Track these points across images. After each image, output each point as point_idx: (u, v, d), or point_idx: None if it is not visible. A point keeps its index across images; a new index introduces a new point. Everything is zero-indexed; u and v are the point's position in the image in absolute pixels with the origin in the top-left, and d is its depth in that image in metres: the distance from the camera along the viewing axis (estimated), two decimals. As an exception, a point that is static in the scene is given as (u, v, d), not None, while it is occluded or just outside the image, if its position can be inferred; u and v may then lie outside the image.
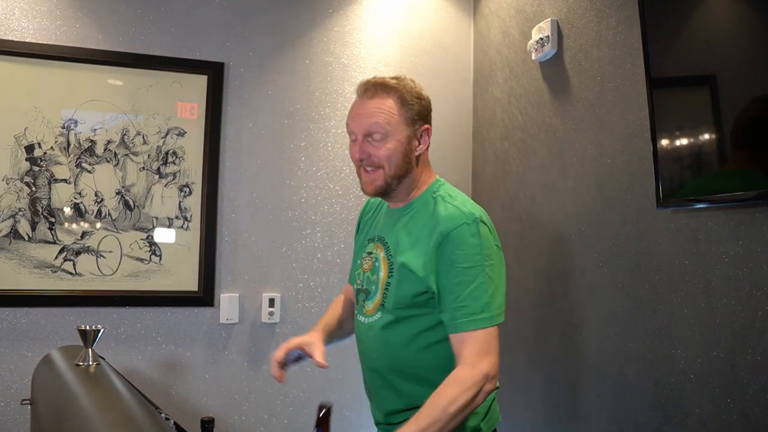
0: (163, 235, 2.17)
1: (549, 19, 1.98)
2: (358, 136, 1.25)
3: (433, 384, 1.13)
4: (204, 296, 2.18)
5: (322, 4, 2.40)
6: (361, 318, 1.31)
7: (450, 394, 1.07)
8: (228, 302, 2.21)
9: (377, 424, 1.33)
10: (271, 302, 2.25)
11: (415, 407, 1.14)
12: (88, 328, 1.24)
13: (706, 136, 1.37)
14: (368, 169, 1.25)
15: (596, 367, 1.73)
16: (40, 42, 2.10)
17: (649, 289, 1.55)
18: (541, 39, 2.00)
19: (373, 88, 1.24)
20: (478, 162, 2.48)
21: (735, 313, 1.31)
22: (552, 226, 1.98)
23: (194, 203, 2.20)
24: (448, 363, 1.15)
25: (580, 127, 1.86)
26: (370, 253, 1.33)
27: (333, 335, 1.41)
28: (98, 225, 2.12)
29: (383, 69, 2.43)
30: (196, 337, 2.18)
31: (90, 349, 1.23)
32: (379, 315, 1.25)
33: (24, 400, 1.33)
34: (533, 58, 2.07)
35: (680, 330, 1.45)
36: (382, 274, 1.26)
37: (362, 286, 1.32)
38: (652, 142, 1.47)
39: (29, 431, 1.39)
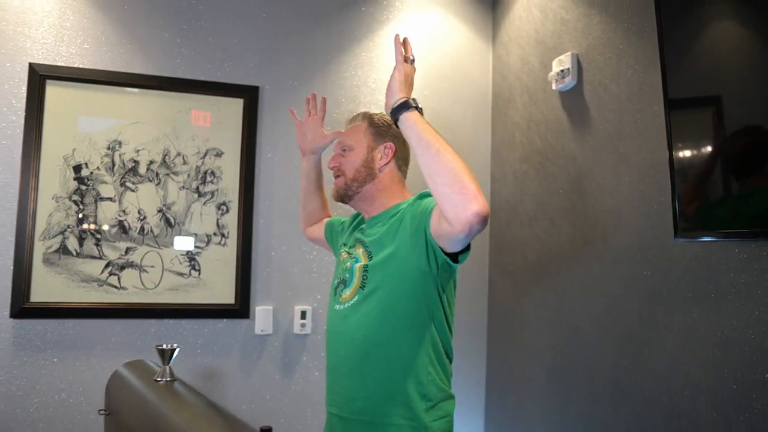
0: (201, 251, 2.30)
1: (570, 52, 2.12)
2: (336, 151, 1.50)
3: (403, 365, 1.27)
4: (240, 309, 2.31)
5: (351, 30, 2.53)
6: (337, 306, 1.41)
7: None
8: (263, 314, 2.33)
9: (332, 415, 1.40)
10: (303, 314, 2.37)
11: (374, 396, 1.29)
12: (166, 346, 1.36)
13: (719, 173, 1.52)
14: (336, 177, 1.48)
15: (613, 383, 1.88)
16: (86, 67, 2.22)
17: (665, 311, 1.69)
18: (562, 71, 2.14)
19: (354, 117, 1.53)
20: (497, 181, 2.61)
21: (745, 335, 1.46)
22: (570, 247, 2.11)
23: (231, 220, 2.33)
24: (418, 341, 1.28)
25: (599, 156, 1.99)
26: (349, 253, 1.46)
27: (317, 171, 1.74)
28: (142, 241, 2.24)
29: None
30: (233, 348, 2.30)
31: (168, 366, 1.36)
32: (356, 298, 1.35)
33: (101, 410, 1.45)
34: (553, 87, 2.21)
35: (694, 349, 1.59)
36: (362, 261, 1.38)
37: (340, 278, 1.44)
38: (670, 178, 1.60)
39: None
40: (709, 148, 1.54)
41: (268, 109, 2.41)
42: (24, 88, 2.15)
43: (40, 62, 2.17)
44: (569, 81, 2.11)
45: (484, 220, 1.07)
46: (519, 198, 2.44)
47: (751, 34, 1.45)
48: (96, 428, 2.15)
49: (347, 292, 1.39)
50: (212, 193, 2.32)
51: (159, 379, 1.34)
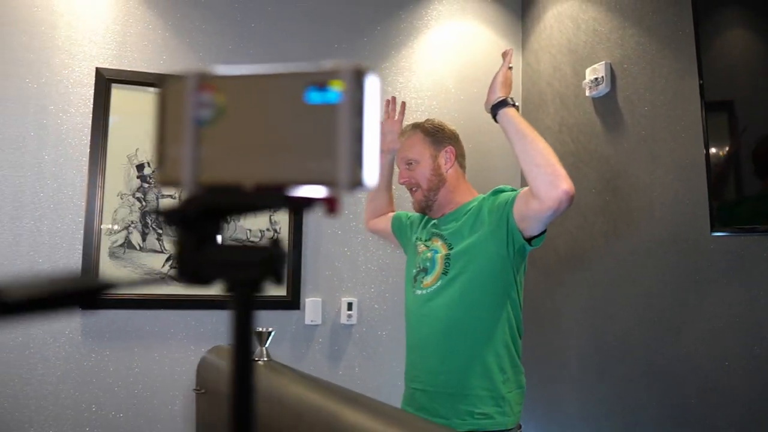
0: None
1: (603, 62, 2.28)
2: (402, 165, 1.63)
3: (483, 341, 1.43)
4: (291, 300, 2.45)
5: (391, 38, 2.67)
6: (418, 292, 1.55)
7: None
8: (312, 306, 2.48)
9: (415, 390, 1.54)
10: (350, 306, 2.52)
11: (457, 369, 1.44)
12: (263, 329, 1.50)
13: (753, 171, 1.68)
14: (413, 189, 1.61)
15: (646, 365, 2.04)
16: (148, 71, 2.34)
17: (698, 298, 1.86)
18: (596, 79, 2.30)
19: (406, 129, 1.68)
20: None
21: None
22: (604, 240, 2.28)
23: (282, 217, 2.46)
24: (496, 319, 1.45)
25: (632, 157, 2.16)
26: (427, 246, 1.60)
27: (389, 175, 1.90)
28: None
29: (444, 97, 2.72)
30: (285, 337, 2.44)
31: (264, 348, 1.49)
32: (439, 283, 1.50)
33: (196, 388, 1.59)
34: (586, 94, 2.37)
35: (726, 332, 1.76)
36: (442, 252, 1.53)
37: (420, 267, 1.59)
38: (707, 176, 1.77)
39: (196, 415, 1.64)
40: (742, 149, 1.71)
41: (316, 112, 2.55)
42: (91, 91, 2.28)
43: (106, 66, 2.30)
44: (603, 88, 2.27)
45: (571, 198, 1.28)
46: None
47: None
48: (161, 413, 2.29)
49: (429, 279, 1.53)
50: (265, 191, 2.46)
51: (258, 359, 1.48)
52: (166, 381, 2.31)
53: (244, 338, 0.44)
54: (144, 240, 2.31)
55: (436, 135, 1.62)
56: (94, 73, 2.28)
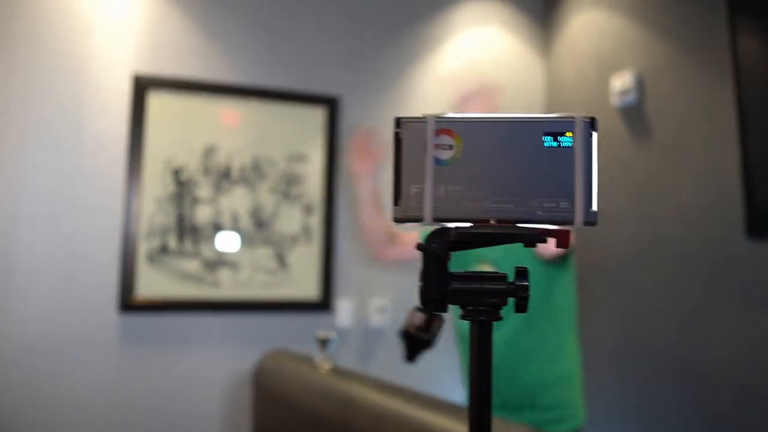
0: (290, 250, 2.47)
1: (631, 71, 2.34)
2: None
3: (553, 353, 1.52)
4: (323, 303, 2.48)
5: (416, 44, 2.71)
6: None
7: None
8: (343, 309, 2.51)
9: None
10: (380, 309, 2.56)
11: (524, 383, 1.51)
12: (324, 336, 1.54)
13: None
14: None
15: (676, 367, 2.10)
16: (183, 76, 2.36)
17: (731, 300, 1.93)
18: (623, 89, 2.36)
19: None
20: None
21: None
22: (633, 245, 2.34)
23: (315, 222, 2.50)
24: (561, 331, 1.54)
25: (662, 165, 2.22)
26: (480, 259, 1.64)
27: None
28: (235, 240, 2.40)
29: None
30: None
31: (326, 353, 1.53)
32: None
33: (258, 392, 1.62)
34: (612, 103, 2.43)
35: (757, 335, 1.83)
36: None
37: None
38: (743, 184, 1.83)
39: (255, 422, 1.67)
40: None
41: (347, 117, 2.58)
42: (128, 97, 2.29)
43: (143, 71, 2.31)
44: (630, 98, 2.33)
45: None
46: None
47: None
48: (199, 416, 2.31)
49: None
50: (298, 197, 2.49)
51: (320, 365, 1.51)
52: (203, 385, 2.33)
53: (485, 358, 0.47)
54: (180, 244, 2.33)
55: None
56: (130, 79, 2.29)
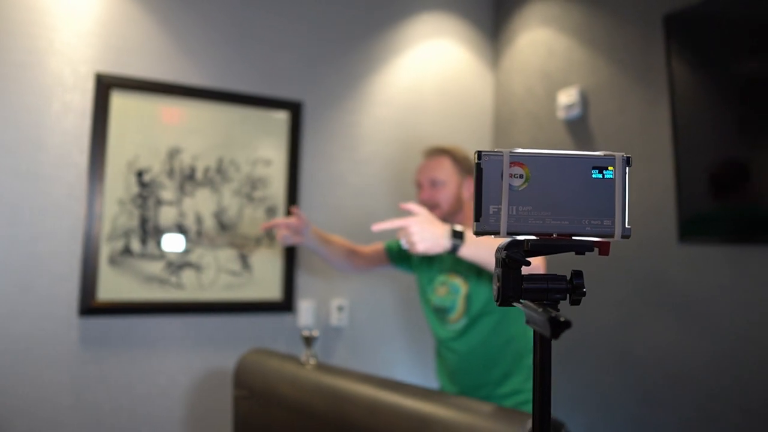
0: (253, 252, 2.51)
1: (576, 86, 2.56)
2: (425, 185, 1.77)
3: (502, 355, 1.65)
4: (286, 304, 2.54)
5: (375, 54, 2.82)
6: (449, 327, 1.74)
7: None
8: (305, 309, 2.58)
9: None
10: (340, 309, 2.64)
11: (494, 380, 1.66)
12: (309, 334, 1.61)
13: (712, 190, 2.00)
14: (431, 208, 1.73)
15: (616, 355, 2.33)
16: (148, 77, 2.35)
17: (663, 297, 2.17)
18: (569, 103, 2.57)
19: (434, 151, 1.81)
20: (498, 191, 3.02)
21: (736, 321, 1.95)
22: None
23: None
24: (510, 341, 1.66)
25: (603, 174, 2.44)
26: (443, 283, 1.78)
27: (322, 244, 1.87)
28: (198, 242, 2.41)
29: (423, 110, 2.90)
30: (279, 340, 2.53)
31: (311, 350, 1.60)
32: (464, 320, 1.70)
33: (241, 394, 1.67)
34: (558, 116, 2.64)
35: (686, 325, 2.07)
36: (462, 291, 1.71)
37: (438, 305, 1.77)
38: (676, 194, 2.07)
39: (236, 420, 1.71)
40: (703, 171, 2.02)
41: (310, 122, 2.65)
42: (90, 96, 2.25)
43: (106, 71, 2.28)
44: (575, 111, 2.55)
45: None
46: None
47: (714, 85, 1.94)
48: (162, 419, 2.31)
49: (453, 315, 1.72)
50: (261, 199, 2.53)
51: (306, 361, 1.59)
52: (166, 387, 2.33)
53: (544, 355, 0.58)
54: (144, 246, 2.32)
55: (465, 164, 1.78)
56: (93, 78, 2.26)
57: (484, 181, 0.59)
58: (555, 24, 2.73)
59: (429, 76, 2.95)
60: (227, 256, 2.46)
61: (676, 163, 2.08)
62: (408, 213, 1.41)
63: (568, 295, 0.59)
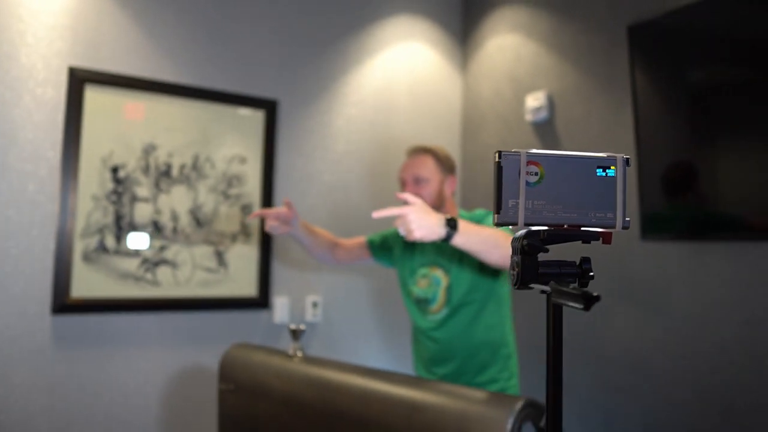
0: (229, 249, 2.52)
1: (543, 91, 2.67)
2: (408, 181, 1.84)
3: (480, 345, 1.73)
4: (262, 300, 2.56)
5: (348, 55, 2.87)
6: (430, 318, 1.82)
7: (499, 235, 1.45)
8: (280, 305, 2.61)
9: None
10: (314, 304, 2.68)
11: (473, 368, 1.74)
12: (296, 327, 1.64)
13: (667, 191, 2.14)
14: None
15: (584, 349, 2.45)
16: (122, 72, 2.33)
17: (627, 292, 2.30)
18: (536, 107, 2.68)
19: (417, 150, 1.88)
20: (469, 190, 3.11)
21: (693, 312, 2.09)
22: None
23: (253, 221, 2.56)
24: (488, 331, 1.75)
25: (569, 175, 2.56)
26: (425, 275, 1.86)
27: (308, 235, 1.89)
28: (174, 239, 2.41)
29: (395, 110, 2.97)
30: (255, 336, 2.55)
31: (299, 343, 1.64)
32: (445, 311, 1.78)
33: (225, 387, 1.69)
34: (526, 119, 2.75)
35: (649, 318, 2.21)
36: (444, 283, 1.80)
37: (419, 297, 1.85)
38: (638, 194, 2.20)
39: (221, 413, 1.73)
40: (661, 173, 2.16)
41: (285, 120, 2.68)
42: (63, 90, 2.22)
43: (79, 66, 2.25)
44: (542, 114, 2.66)
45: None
46: (491, 206, 2.95)
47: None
48: (137, 418, 2.29)
49: (434, 306, 1.79)
50: (237, 196, 2.54)
51: (294, 354, 1.63)
52: (141, 385, 2.32)
53: (557, 327, 0.65)
54: (118, 243, 2.30)
55: (446, 163, 1.86)
56: (67, 72, 2.23)
57: (503, 178, 0.65)
58: (523, 30, 2.84)
59: (400, 77, 3.02)
60: (203, 253, 2.46)
61: (639, 166, 2.21)
62: (403, 203, 1.46)
63: (577, 279, 0.65)
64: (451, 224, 1.38)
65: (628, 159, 0.67)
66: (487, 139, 3.01)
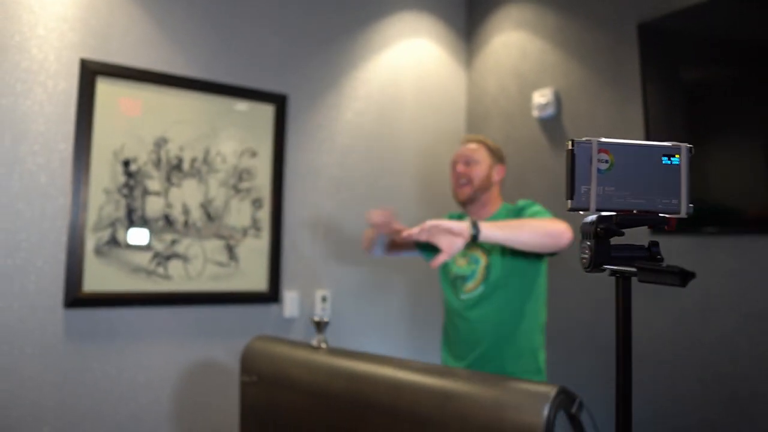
0: (240, 243, 2.52)
1: (550, 88, 2.70)
2: (460, 162, 1.95)
3: (510, 332, 1.79)
4: (272, 295, 2.57)
5: (355, 50, 2.88)
6: (463, 297, 1.88)
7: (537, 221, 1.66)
8: (290, 300, 2.61)
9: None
10: (323, 299, 2.69)
11: (505, 354, 1.80)
12: (320, 319, 1.66)
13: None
14: (462, 182, 1.92)
15: (591, 342, 2.49)
16: (134, 65, 2.32)
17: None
18: (543, 103, 2.72)
19: (470, 138, 2.02)
20: (472, 185, 3.14)
21: (694, 307, 2.14)
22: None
23: (264, 215, 2.57)
24: (520, 319, 1.81)
25: (575, 170, 2.60)
26: (464, 255, 1.92)
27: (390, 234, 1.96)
28: (186, 233, 2.40)
29: (401, 105, 2.99)
30: (265, 330, 2.55)
31: (323, 335, 1.65)
32: (481, 288, 1.84)
33: (248, 378, 1.69)
34: (533, 115, 2.78)
35: (652, 314, 2.25)
36: (483, 262, 1.86)
37: (457, 274, 1.91)
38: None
39: (243, 405, 1.74)
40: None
41: (294, 115, 2.68)
42: (75, 83, 2.21)
43: (91, 58, 2.24)
44: (549, 111, 2.70)
45: (572, 238, 1.60)
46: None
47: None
48: (148, 412, 2.29)
49: (470, 284, 1.86)
50: (248, 190, 2.55)
51: (318, 345, 1.64)
52: (151, 379, 2.31)
53: (627, 308, 0.68)
54: (131, 237, 2.29)
55: (496, 153, 1.98)
56: (78, 65, 2.21)
57: (576, 165, 0.67)
58: (528, 27, 2.87)
59: (406, 73, 3.04)
60: (214, 247, 2.46)
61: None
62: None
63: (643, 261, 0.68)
64: (474, 227, 1.54)
65: (691, 148, 0.69)
66: (492, 134, 3.04)
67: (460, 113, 3.21)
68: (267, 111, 2.61)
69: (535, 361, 1.83)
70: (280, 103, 2.63)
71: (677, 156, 0.69)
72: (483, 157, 1.94)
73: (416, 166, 3.04)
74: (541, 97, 2.73)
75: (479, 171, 1.92)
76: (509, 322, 1.80)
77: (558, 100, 2.69)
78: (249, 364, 1.72)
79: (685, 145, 0.70)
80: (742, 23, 2.01)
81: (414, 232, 1.56)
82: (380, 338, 2.85)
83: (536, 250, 1.64)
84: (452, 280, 1.92)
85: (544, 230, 1.60)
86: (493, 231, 1.54)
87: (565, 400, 1.21)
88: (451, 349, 1.93)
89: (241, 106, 2.55)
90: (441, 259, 1.54)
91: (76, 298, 2.17)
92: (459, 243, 1.52)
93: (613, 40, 2.46)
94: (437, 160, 3.08)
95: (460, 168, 1.93)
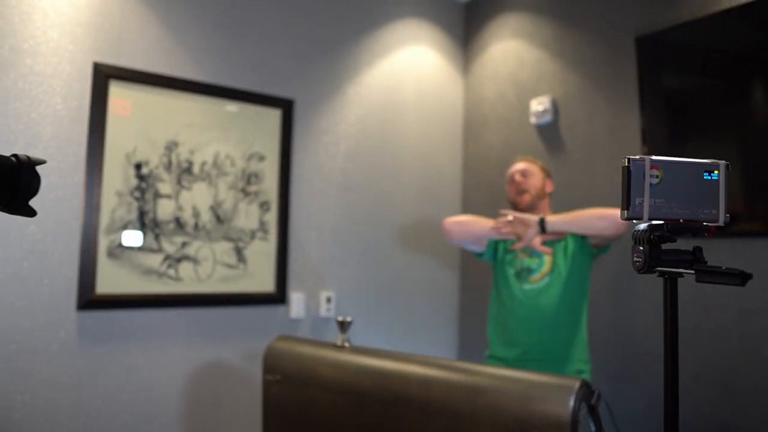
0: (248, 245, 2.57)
1: (548, 96, 2.81)
2: (518, 174, 2.16)
3: (579, 320, 2.00)
4: (279, 296, 2.62)
5: (358, 57, 2.95)
6: (527, 287, 2.05)
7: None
8: (296, 301, 2.67)
9: (501, 360, 2.06)
10: (328, 300, 2.75)
11: (561, 340, 1.98)
12: (343, 319, 1.72)
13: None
14: (522, 190, 2.14)
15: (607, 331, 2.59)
16: (145, 69, 2.35)
17: (635, 284, 2.45)
18: (540, 110, 2.82)
19: (523, 159, 2.24)
20: (470, 189, 3.23)
21: (690, 304, 2.25)
22: (545, 242, 2.80)
23: (271, 218, 2.62)
24: (574, 311, 2.00)
25: (572, 178, 2.71)
26: (527, 253, 2.09)
27: None
28: (196, 236, 2.44)
29: (402, 110, 3.07)
30: (273, 331, 2.60)
31: (346, 334, 1.72)
32: (546, 279, 2.02)
33: (272, 377, 1.75)
34: (531, 121, 2.88)
35: (646, 310, 2.37)
36: (548, 257, 2.04)
37: (523, 266, 2.08)
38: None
39: (266, 403, 1.80)
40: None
41: (300, 119, 2.74)
42: (88, 86, 2.23)
43: (104, 62, 2.27)
44: (547, 118, 2.80)
45: (626, 224, 1.77)
46: (491, 204, 3.08)
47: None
48: (160, 412, 2.33)
49: (536, 275, 2.04)
50: (256, 194, 2.59)
51: (342, 344, 1.70)
52: (163, 379, 2.35)
53: (674, 306, 0.76)
54: (143, 239, 2.32)
55: (546, 171, 2.24)
56: (91, 68, 2.24)
57: (632, 180, 0.76)
58: (526, 37, 2.98)
59: (406, 79, 3.12)
60: (223, 249, 2.50)
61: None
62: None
63: (691, 264, 0.76)
64: (541, 223, 1.92)
65: (728, 165, 0.78)
66: (490, 140, 3.13)
67: (458, 118, 3.30)
68: (274, 115, 2.66)
69: (585, 351, 2.01)
70: (286, 107, 2.69)
71: (716, 171, 0.78)
72: (537, 172, 2.18)
73: (416, 169, 3.12)
74: (539, 104, 2.83)
75: (535, 181, 2.15)
76: (568, 312, 1.98)
77: (555, 107, 2.80)
78: (272, 364, 1.78)
79: (723, 162, 0.79)
80: (735, 37, 2.13)
81: (500, 226, 1.98)
82: (384, 337, 2.92)
83: (596, 233, 1.92)
84: (518, 271, 2.09)
85: (600, 213, 1.92)
86: (556, 220, 1.93)
87: (587, 392, 1.29)
88: (503, 336, 2.08)
89: (250, 110, 2.60)
90: (521, 244, 1.95)
91: (89, 299, 2.19)
92: (531, 232, 1.92)
93: (611, 52, 2.57)
94: (436, 163, 3.16)
95: (518, 178, 2.15)
